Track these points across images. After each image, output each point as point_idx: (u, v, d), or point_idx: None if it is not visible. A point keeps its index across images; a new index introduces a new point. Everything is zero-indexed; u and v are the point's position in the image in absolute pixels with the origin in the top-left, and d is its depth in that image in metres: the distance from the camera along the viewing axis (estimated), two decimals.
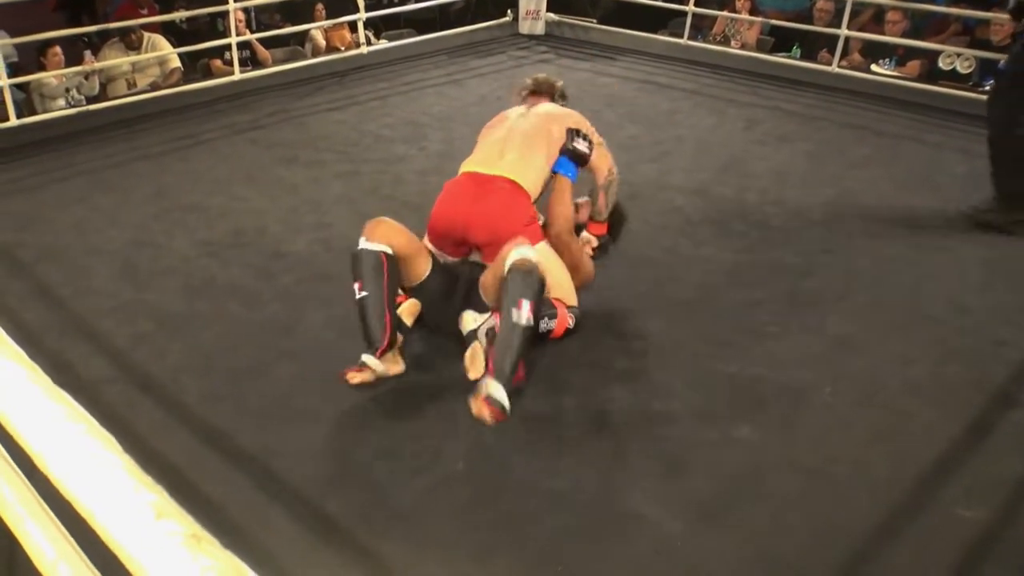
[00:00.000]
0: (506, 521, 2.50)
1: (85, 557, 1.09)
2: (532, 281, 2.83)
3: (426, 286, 3.20)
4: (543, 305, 2.95)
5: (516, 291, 2.81)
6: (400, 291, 3.21)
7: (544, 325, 3.07)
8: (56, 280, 3.82)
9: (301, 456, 2.74)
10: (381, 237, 3.03)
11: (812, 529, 2.48)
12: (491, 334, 2.98)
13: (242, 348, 3.30)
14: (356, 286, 3.00)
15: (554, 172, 3.37)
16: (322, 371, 3.12)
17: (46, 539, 1.02)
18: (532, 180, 3.31)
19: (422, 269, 3.17)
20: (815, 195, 4.74)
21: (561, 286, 3.25)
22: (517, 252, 2.91)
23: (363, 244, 3.03)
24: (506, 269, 2.88)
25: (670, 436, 2.86)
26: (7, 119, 5.50)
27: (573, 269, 3.37)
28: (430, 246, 3.33)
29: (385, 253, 3.01)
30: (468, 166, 3.38)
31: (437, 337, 3.30)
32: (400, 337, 3.13)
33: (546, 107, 3.59)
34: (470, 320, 3.14)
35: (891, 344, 3.39)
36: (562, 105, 3.74)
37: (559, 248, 3.33)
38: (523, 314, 2.78)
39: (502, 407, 2.73)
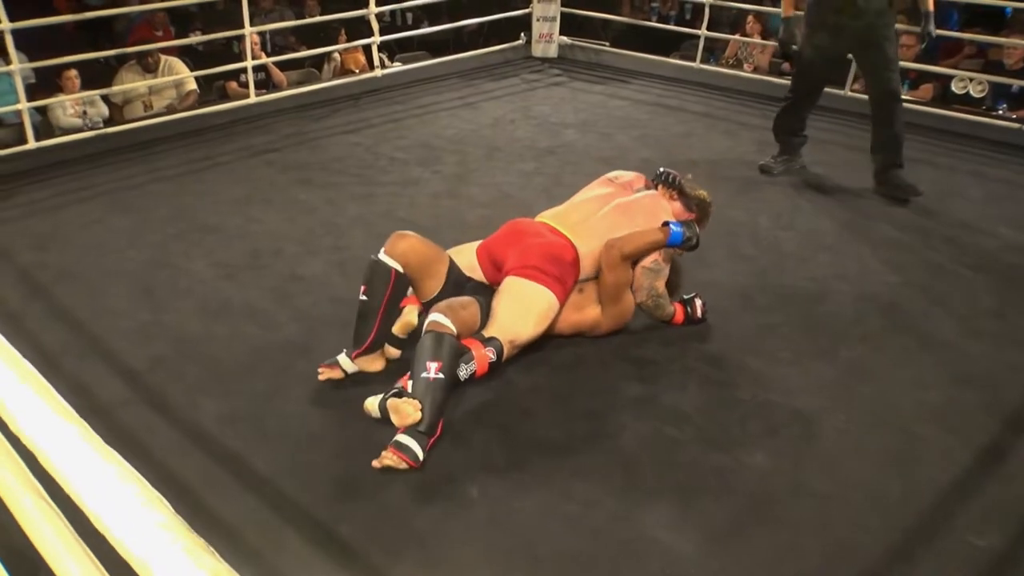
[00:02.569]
0: (520, 545, 2.51)
1: None
2: (443, 342, 2.91)
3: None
4: (457, 355, 2.97)
5: (427, 354, 2.88)
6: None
7: (464, 371, 3.01)
8: (75, 301, 3.85)
9: (315, 479, 2.76)
10: (399, 256, 3.20)
11: (825, 554, 2.49)
12: (399, 390, 2.97)
13: (259, 370, 3.32)
14: (361, 289, 3.22)
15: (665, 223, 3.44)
16: (338, 394, 3.15)
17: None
18: (592, 256, 3.41)
19: (428, 291, 3.30)
20: (827, 219, 4.76)
21: (502, 327, 3.16)
22: (434, 316, 3.00)
23: (380, 255, 3.21)
24: (424, 328, 2.99)
25: (682, 461, 2.88)
26: (26, 142, 5.56)
27: (608, 294, 3.42)
28: (471, 257, 3.44)
29: (396, 271, 3.18)
30: (550, 216, 3.54)
31: None
32: (386, 346, 3.31)
33: (655, 203, 3.61)
34: (373, 400, 3.07)
35: (904, 369, 3.41)
36: (679, 205, 3.71)
37: (605, 260, 3.38)
38: (431, 372, 2.85)
39: (414, 456, 2.78)
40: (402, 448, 2.78)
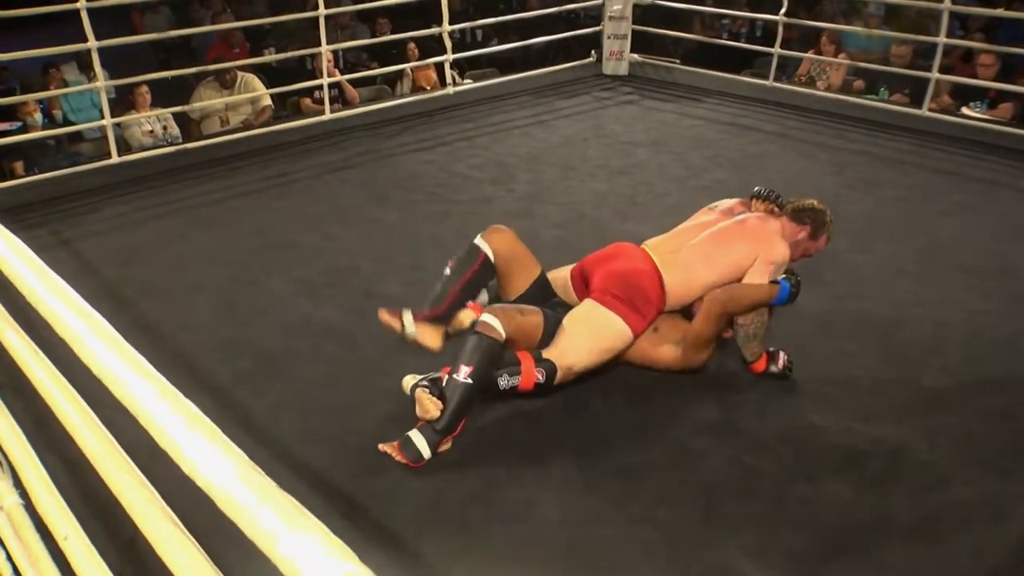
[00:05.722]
0: (602, 572, 2.52)
1: None
2: (481, 347, 2.95)
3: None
4: (495, 362, 3.00)
5: (464, 355, 2.95)
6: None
7: (506, 382, 3.03)
8: (159, 316, 3.95)
9: (396, 498, 2.80)
10: (492, 243, 3.32)
11: None
12: (434, 385, 3.00)
13: (339, 388, 3.37)
14: (449, 263, 3.35)
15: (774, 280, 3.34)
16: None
17: None
18: (680, 289, 3.32)
19: (513, 289, 3.37)
20: (906, 243, 4.68)
21: (563, 351, 3.12)
22: (485, 317, 3.04)
23: (477, 238, 3.34)
24: (475, 327, 3.04)
25: (764, 490, 2.86)
26: (110, 156, 5.72)
27: (693, 342, 3.34)
28: (566, 275, 3.46)
29: (485, 254, 3.30)
30: (649, 245, 3.44)
31: None
32: (444, 327, 3.35)
33: (759, 225, 3.41)
34: (409, 379, 3.19)
35: (989, 400, 3.34)
36: (786, 221, 3.47)
37: (704, 310, 3.29)
38: (461, 375, 2.91)
39: (417, 455, 2.88)
40: (407, 446, 2.89)
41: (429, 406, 2.89)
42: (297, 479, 2.88)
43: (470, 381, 2.91)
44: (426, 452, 2.88)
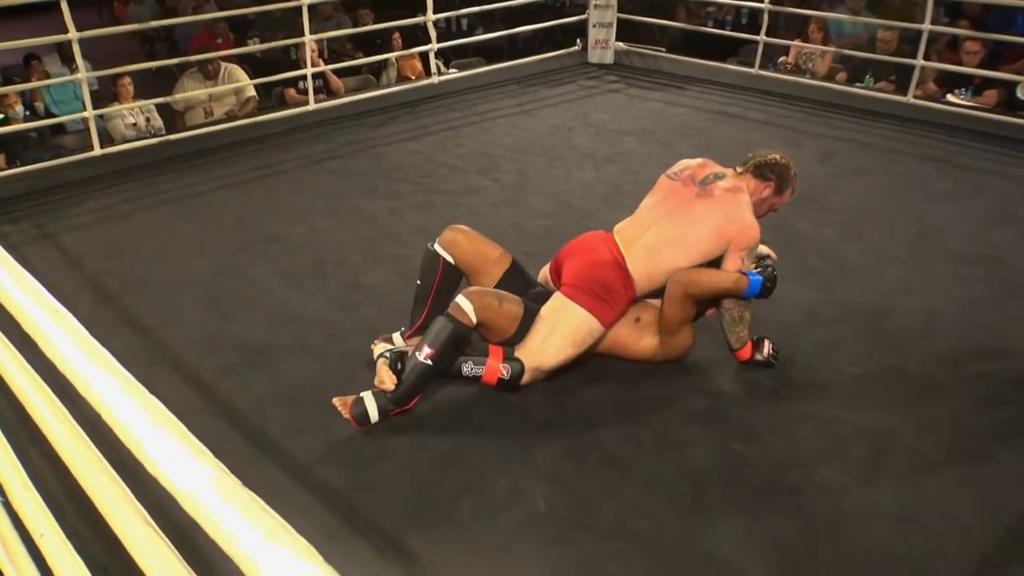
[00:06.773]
0: (590, 562, 2.51)
1: None
2: (447, 331, 2.99)
3: None
4: (458, 348, 3.03)
5: (429, 336, 3.00)
6: None
7: (470, 370, 3.08)
8: (143, 309, 3.92)
9: (384, 490, 2.79)
10: (447, 245, 3.36)
11: None
12: (398, 358, 3.03)
13: (326, 380, 3.34)
14: (419, 274, 3.43)
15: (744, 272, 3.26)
16: None
17: None
18: (647, 275, 3.26)
19: (483, 284, 3.34)
20: (895, 231, 4.68)
21: (532, 352, 3.13)
22: (459, 299, 3.07)
23: (434, 244, 3.38)
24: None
25: (751, 478, 2.85)
26: (92, 148, 5.67)
27: (665, 327, 3.33)
28: (545, 272, 3.47)
29: (444, 259, 3.34)
30: (617, 231, 3.36)
31: None
32: None
33: (728, 199, 3.29)
34: (378, 348, 3.31)
35: (977, 387, 3.34)
36: (750, 179, 3.39)
37: (668, 294, 3.27)
38: (422, 355, 2.97)
39: (364, 417, 2.98)
40: (357, 405, 2.99)
41: (385, 378, 2.98)
42: (283, 472, 2.87)
43: (429, 363, 2.97)
44: (374, 416, 2.98)
